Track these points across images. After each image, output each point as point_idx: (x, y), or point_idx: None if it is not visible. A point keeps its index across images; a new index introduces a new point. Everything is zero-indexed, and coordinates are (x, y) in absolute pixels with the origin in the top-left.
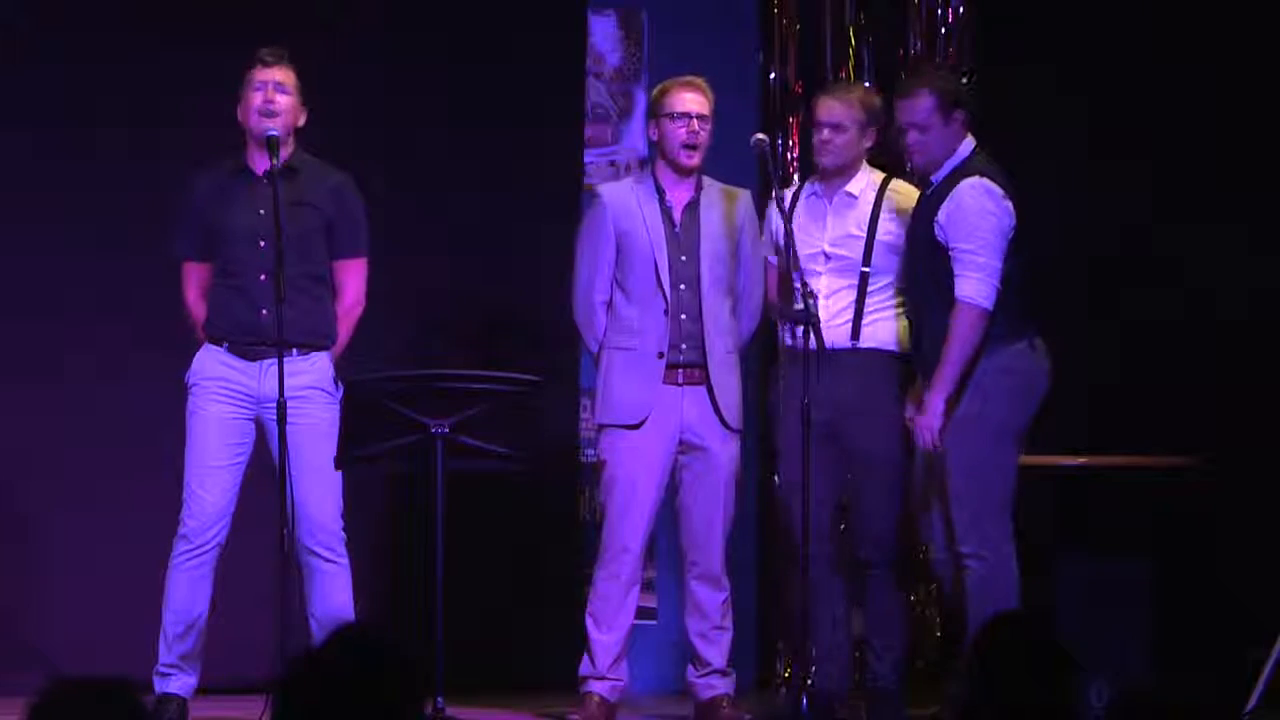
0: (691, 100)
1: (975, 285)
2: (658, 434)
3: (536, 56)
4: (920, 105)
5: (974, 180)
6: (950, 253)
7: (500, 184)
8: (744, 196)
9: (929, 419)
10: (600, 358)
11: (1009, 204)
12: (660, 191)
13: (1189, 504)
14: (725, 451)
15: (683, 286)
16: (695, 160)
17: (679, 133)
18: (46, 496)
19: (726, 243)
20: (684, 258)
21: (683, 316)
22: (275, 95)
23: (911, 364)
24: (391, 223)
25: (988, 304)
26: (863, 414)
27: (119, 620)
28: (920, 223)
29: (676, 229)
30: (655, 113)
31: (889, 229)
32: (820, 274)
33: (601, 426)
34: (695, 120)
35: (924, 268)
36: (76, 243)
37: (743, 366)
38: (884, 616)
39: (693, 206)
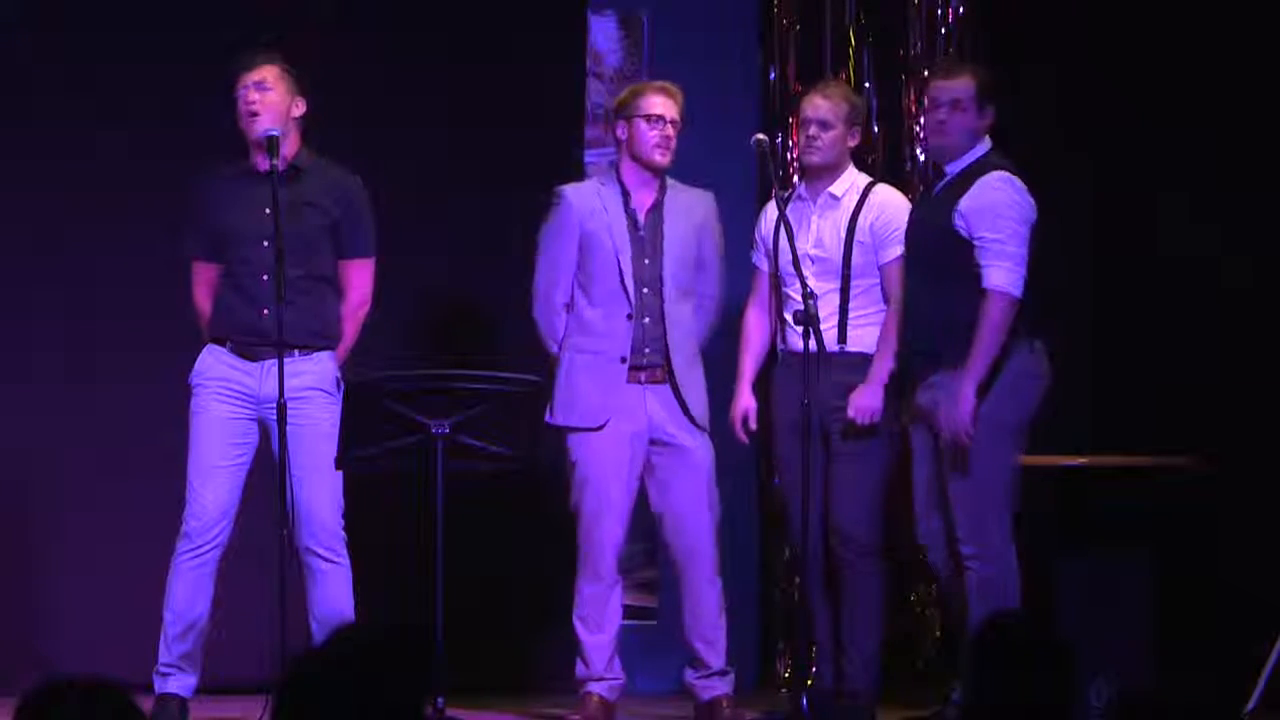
0: (664, 104)
1: (1006, 274)
2: (624, 433)
3: (536, 56)
4: (963, 84)
5: (999, 173)
6: (976, 243)
7: (500, 184)
8: (707, 199)
9: (962, 409)
10: (560, 358)
11: (1031, 199)
12: (625, 193)
13: (1189, 503)
14: (698, 449)
15: (645, 289)
16: (668, 159)
17: (651, 135)
18: (47, 496)
19: (690, 245)
20: (647, 260)
21: (645, 319)
22: (255, 95)
23: (907, 364)
24: (391, 223)
25: (1019, 292)
26: (845, 414)
27: (120, 620)
28: (930, 216)
29: (641, 231)
30: (626, 113)
31: (869, 232)
32: (807, 277)
33: (564, 428)
34: (668, 125)
35: (933, 261)
36: (77, 243)
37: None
38: (856, 616)
39: (657, 209)
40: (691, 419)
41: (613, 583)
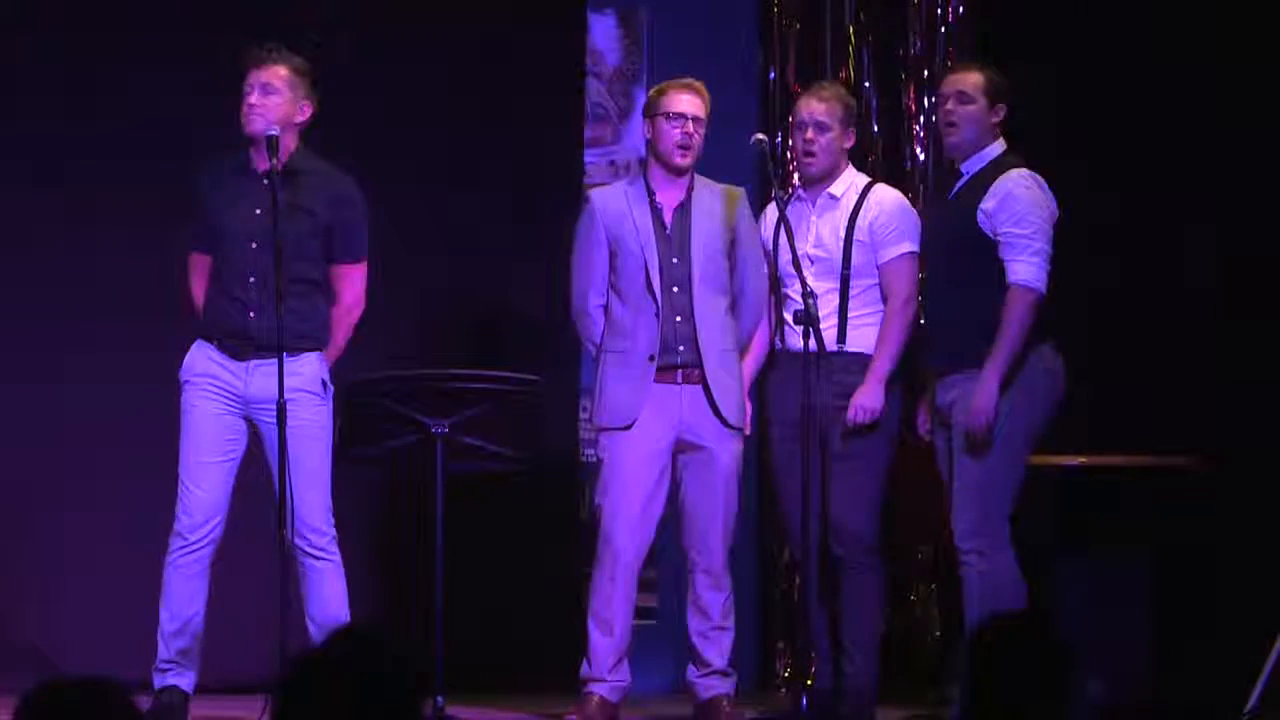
0: (688, 102)
1: (1031, 269)
2: (653, 434)
3: (536, 56)
4: (971, 78)
5: (1022, 171)
6: (1000, 238)
7: (500, 184)
8: (738, 194)
9: (984, 403)
10: (598, 360)
11: (1053, 196)
12: (650, 193)
13: (1189, 503)
14: (725, 450)
15: (675, 288)
16: (688, 160)
17: (673, 133)
18: (45, 496)
19: (720, 241)
20: (675, 259)
21: (677, 318)
22: (256, 99)
23: (927, 364)
24: (392, 223)
25: (1043, 287)
26: (844, 414)
27: (119, 619)
28: (950, 218)
29: (668, 230)
30: (651, 112)
31: (868, 231)
32: (806, 277)
33: (599, 429)
34: (690, 122)
35: (954, 262)
36: (74, 243)
37: None
38: (855, 614)
39: (684, 207)
40: (722, 419)
41: (627, 584)
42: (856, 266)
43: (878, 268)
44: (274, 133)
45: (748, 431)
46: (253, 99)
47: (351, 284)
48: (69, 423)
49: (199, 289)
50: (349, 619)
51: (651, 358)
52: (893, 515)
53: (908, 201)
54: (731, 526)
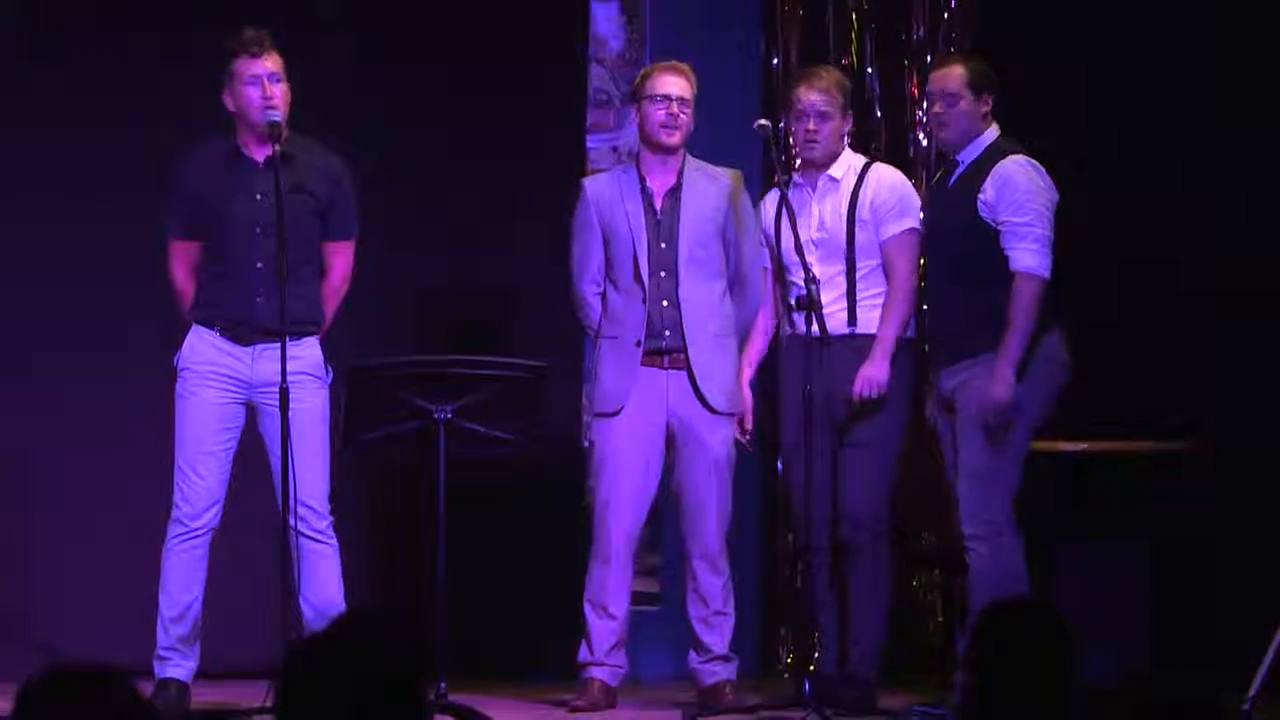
0: (672, 83)
1: (1035, 256)
2: (642, 418)
3: (538, 42)
4: (952, 75)
5: (1018, 157)
6: (1001, 227)
7: (502, 169)
8: (731, 176)
9: (1000, 390)
10: (596, 346)
11: (1051, 181)
12: (642, 179)
13: (1189, 489)
14: (712, 435)
15: (663, 273)
16: (675, 139)
17: (658, 114)
18: (45, 486)
19: (713, 225)
20: (664, 244)
21: (663, 303)
22: (273, 88)
23: (929, 352)
24: (392, 214)
25: (1048, 274)
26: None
27: (119, 605)
28: (950, 208)
29: (658, 215)
30: (638, 96)
31: (869, 209)
32: (811, 263)
33: (593, 415)
34: (675, 103)
35: (957, 253)
36: (62, 241)
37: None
38: (863, 601)
39: (675, 191)
40: (707, 406)
41: (621, 568)
42: (860, 247)
43: (880, 246)
44: (277, 119)
45: (749, 427)
46: (270, 90)
47: (344, 261)
48: (66, 406)
49: (183, 275)
50: (343, 604)
51: (638, 343)
52: (895, 500)
53: (907, 179)
54: (727, 511)
